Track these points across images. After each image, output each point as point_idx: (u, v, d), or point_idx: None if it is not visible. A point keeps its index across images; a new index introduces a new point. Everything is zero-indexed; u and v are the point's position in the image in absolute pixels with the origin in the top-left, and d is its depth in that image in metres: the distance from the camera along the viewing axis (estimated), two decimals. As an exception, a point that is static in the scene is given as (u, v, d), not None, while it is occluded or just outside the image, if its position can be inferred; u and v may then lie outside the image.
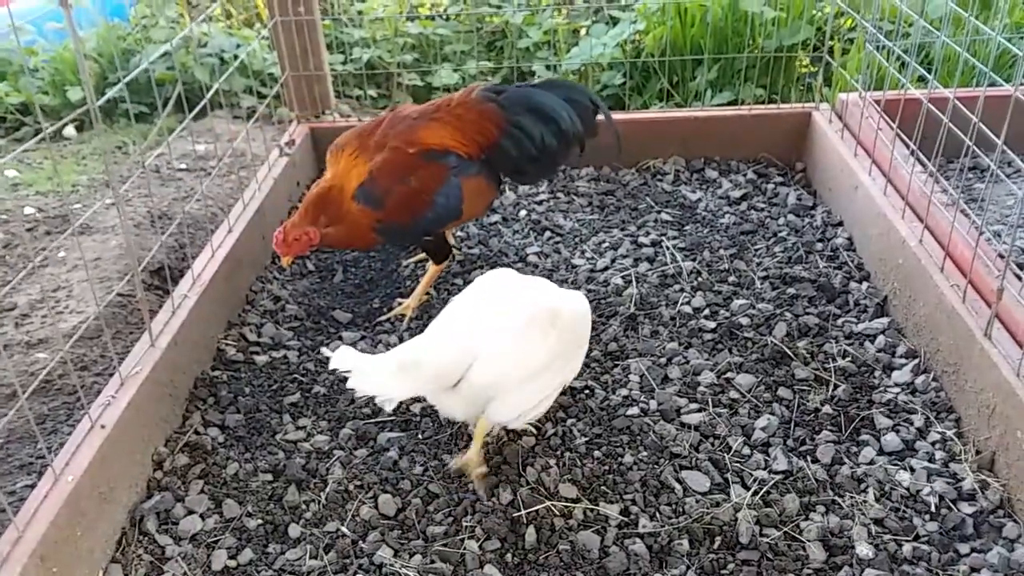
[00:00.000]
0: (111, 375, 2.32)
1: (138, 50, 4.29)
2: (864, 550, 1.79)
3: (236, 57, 3.99)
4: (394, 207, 2.41)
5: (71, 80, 4.25)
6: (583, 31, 4.43)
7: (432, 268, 2.64)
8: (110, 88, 4.07)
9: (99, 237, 3.01)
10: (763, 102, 3.63)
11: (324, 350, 2.00)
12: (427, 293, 2.65)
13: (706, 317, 2.50)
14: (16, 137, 4.09)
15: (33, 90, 4.16)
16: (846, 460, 2.01)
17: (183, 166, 3.60)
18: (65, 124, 3.93)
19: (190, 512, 1.93)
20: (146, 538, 1.87)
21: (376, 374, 1.79)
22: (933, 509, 1.88)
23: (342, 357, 1.81)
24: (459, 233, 3.00)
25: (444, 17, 4.64)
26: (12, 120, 4.16)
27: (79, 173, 3.69)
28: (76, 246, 2.97)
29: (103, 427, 1.84)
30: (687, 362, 2.33)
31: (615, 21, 4.14)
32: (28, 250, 3.03)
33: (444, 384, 1.84)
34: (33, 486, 2.00)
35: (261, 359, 2.40)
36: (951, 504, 1.89)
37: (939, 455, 2.01)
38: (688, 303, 2.56)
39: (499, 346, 1.82)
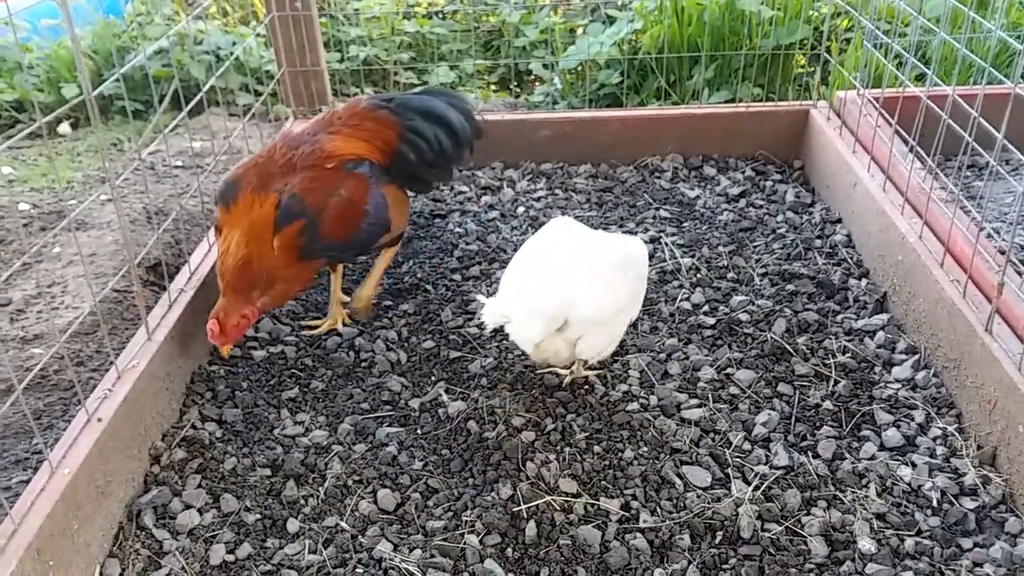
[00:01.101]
0: (107, 370, 2.31)
1: (133, 47, 4.27)
2: (866, 545, 1.78)
3: (232, 55, 3.98)
4: (330, 223, 2.25)
5: (66, 77, 4.23)
6: (580, 30, 4.43)
7: (386, 252, 2.59)
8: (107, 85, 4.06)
9: (94, 233, 2.99)
10: (760, 100, 3.63)
11: (479, 296, 2.11)
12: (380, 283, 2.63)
13: (705, 313, 2.50)
14: (10, 134, 4.07)
15: (28, 87, 4.13)
16: (847, 455, 2.01)
17: (179, 163, 3.58)
18: (60, 116, 3.91)
19: (188, 507, 1.91)
20: (143, 532, 1.85)
21: (517, 319, 1.97)
22: (935, 504, 1.87)
23: (493, 307, 1.99)
24: (457, 229, 2.98)
25: (441, 16, 4.63)
26: (7, 117, 4.14)
27: (74, 170, 3.67)
28: (71, 241, 2.95)
29: (100, 421, 1.82)
30: (687, 358, 2.33)
31: (612, 20, 4.14)
32: (23, 245, 3.00)
33: (556, 326, 1.98)
34: (29, 481, 1.98)
35: (259, 354, 2.38)
36: (953, 499, 1.88)
37: (940, 450, 2.00)
38: (687, 299, 2.56)
39: (593, 288, 2.02)
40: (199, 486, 1.96)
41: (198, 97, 2.49)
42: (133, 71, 4.06)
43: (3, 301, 2.68)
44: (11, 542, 1.55)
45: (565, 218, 2.33)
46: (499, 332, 2.46)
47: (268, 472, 2.01)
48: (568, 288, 2.00)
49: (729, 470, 1.98)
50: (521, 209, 3.11)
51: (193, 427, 2.12)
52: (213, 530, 1.87)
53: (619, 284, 2.08)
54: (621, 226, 2.98)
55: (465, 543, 1.81)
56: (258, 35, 4.09)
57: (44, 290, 2.71)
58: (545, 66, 4.27)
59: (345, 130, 2.41)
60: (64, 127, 4.13)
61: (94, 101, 1.80)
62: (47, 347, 2.47)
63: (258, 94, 3.89)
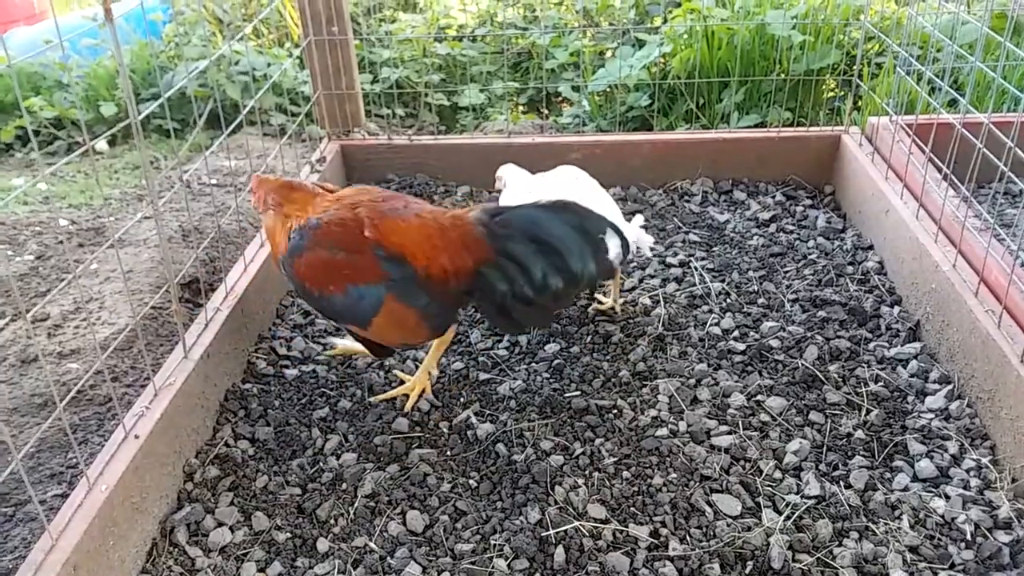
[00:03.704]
0: (142, 386, 2.35)
1: (170, 67, 4.35)
2: (899, 577, 1.76)
3: (267, 76, 4.05)
4: (306, 267, 2.05)
5: (104, 96, 4.32)
6: (609, 53, 4.46)
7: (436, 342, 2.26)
8: (143, 104, 4.15)
9: (131, 250, 3.05)
10: (790, 125, 3.63)
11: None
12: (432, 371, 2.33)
13: (735, 339, 2.49)
14: (49, 151, 4.16)
15: (67, 105, 4.23)
16: (880, 486, 1.99)
17: (214, 181, 3.64)
18: (105, 137, 4.00)
19: (220, 524, 1.93)
20: (176, 549, 1.87)
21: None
22: (969, 537, 1.85)
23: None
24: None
25: (471, 38, 4.68)
26: (45, 134, 4.23)
27: (111, 187, 3.74)
28: (109, 258, 3.00)
29: (137, 437, 1.85)
30: (716, 384, 2.32)
31: (641, 43, 4.16)
32: (61, 262, 3.06)
33: None
34: (64, 495, 2.02)
35: (291, 373, 2.41)
36: (987, 532, 1.86)
37: (974, 482, 1.98)
38: (717, 324, 2.55)
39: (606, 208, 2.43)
40: (231, 504, 1.98)
41: (239, 119, 2.53)
42: (170, 90, 4.14)
43: (41, 316, 2.74)
44: (49, 557, 1.57)
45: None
46: (526, 354, 2.47)
47: (299, 491, 2.03)
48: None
49: (760, 499, 1.96)
50: (550, 231, 3.12)
51: (226, 445, 2.14)
52: (244, 548, 1.88)
53: (604, 192, 2.61)
54: (651, 249, 2.97)
55: (493, 567, 1.81)
56: (295, 58, 4.16)
57: (81, 305, 2.76)
58: (574, 88, 4.29)
59: (430, 224, 2.04)
60: (101, 144, 4.21)
61: (139, 124, 1.84)
62: (83, 362, 2.51)
63: (293, 115, 3.95)
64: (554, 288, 1.99)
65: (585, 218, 2.03)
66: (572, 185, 2.58)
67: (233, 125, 2.54)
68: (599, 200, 2.53)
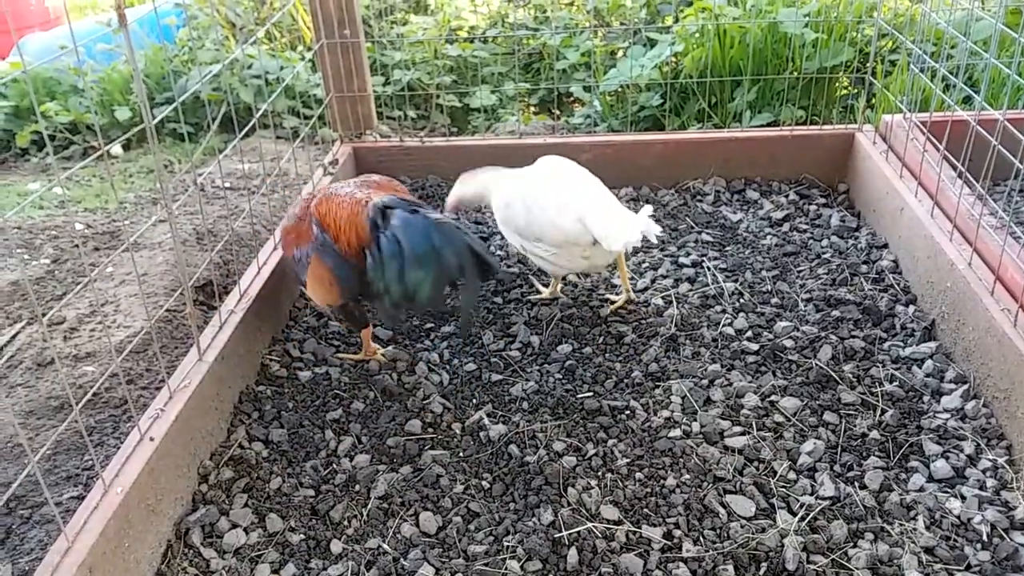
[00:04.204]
0: (157, 389, 2.37)
1: (184, 71, 4.38)
2: (915, 579, 1.75)
3: (279, 79, 4.07)
4: (282, 234, 2.46)
5: (119, 100, 4.36)
6: (621, 53, 4.45)
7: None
8: (157, 108, 4.18)
9: (146, 253, 3.07)
10: (803, 123, 3.61)
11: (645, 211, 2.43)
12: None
13: (749, 339, 2.48)
14: (64, 155, 4.20)
15: (82, 110, 4.26)
16: (895, 487, 1.97)
17: (227, 184, 3.66)
18: (120, 141, 4.03)
19: (234, 526, 1.94)
20: (191, 551, 1.88)
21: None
22: (985, 538, 1.83)
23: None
24: (498, 252, 3.01)
25: (482, 40, 4.69)
26: (60, 139, 4.26)
27: (126, 190, 3.77)
28: (124, 261, 3.02)
29: (152, 440, 1.86)
30: (730, 384, 2.31)
31: (653, 43, 4.15)
32: (77, 265, 3.09)
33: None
34: (80, 497, 2.04)
35: (304, 375, 2.42)
36: (1003, 533, 1.84)
37: (990, 483, 1.96)
38: (730, 324, 2.55)
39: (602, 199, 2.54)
40: (246, 505, 1.99)
41: (252, 122, 2.55)
42: (184, 94, 4.17)
43: (57, 319, 2.76)
44: (65, 559, 1.58)
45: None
46: (538, 355, 2.47)
47: (312, 492, 2.04)
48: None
49: (774, 500, 1.95)
50: (562, 232, 3.12)
51: (240, 446, 2.15)
52: (259, 549, 1.89)
53: (597, 181, 2.61)
54: (662, 249, 2.97)
55: (507, 569, 1.81)
56: (307, 60, 4.17)
57: (97, 309, 2.79)
58: (586, 88, 4.29)
59: (352, 200, 2.26)
60: (116, 148, 4.24)
61: (153, 128, 1.85)
62: (98, 365, 2.53)
63: (305, 117, 3.96)
64: (392, 293, 2.16)
65: (449, 244, 2.12)
66: (567, 181, 2.60)
67: (246, 128, 2.55)
68: (592, 188, 2.56)
